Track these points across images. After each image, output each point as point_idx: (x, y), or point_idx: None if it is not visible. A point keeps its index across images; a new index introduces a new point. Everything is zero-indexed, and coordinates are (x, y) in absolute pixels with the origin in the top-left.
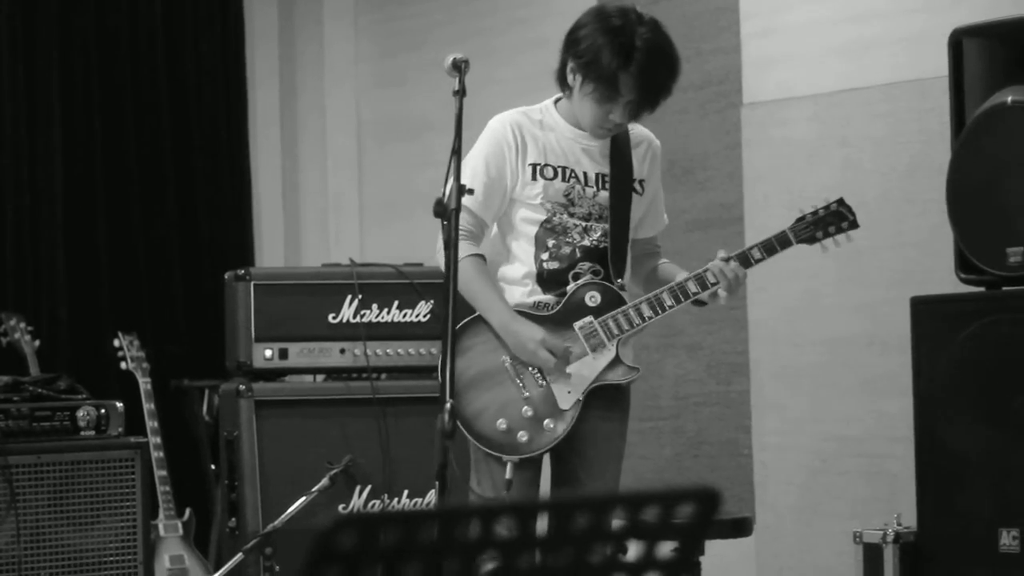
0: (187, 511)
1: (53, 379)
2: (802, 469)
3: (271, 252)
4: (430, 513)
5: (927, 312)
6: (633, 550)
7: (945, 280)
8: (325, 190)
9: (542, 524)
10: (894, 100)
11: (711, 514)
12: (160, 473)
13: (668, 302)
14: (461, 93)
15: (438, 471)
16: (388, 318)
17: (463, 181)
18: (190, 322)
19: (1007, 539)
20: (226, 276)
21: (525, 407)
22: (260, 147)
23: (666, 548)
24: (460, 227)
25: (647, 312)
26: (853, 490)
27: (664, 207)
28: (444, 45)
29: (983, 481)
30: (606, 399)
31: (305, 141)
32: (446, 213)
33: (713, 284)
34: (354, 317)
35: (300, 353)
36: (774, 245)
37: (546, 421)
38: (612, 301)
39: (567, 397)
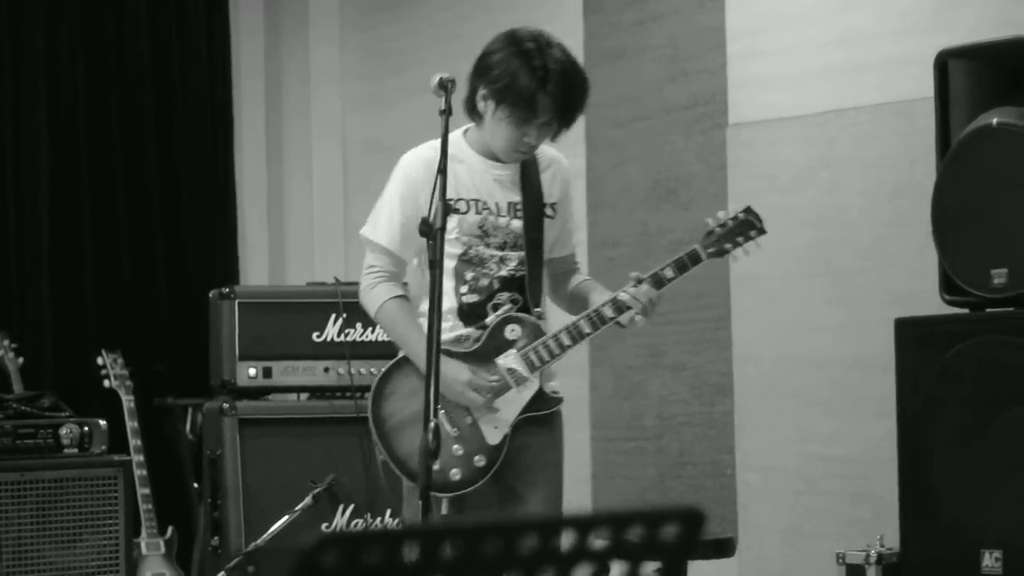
0: (170, 529)
1: (37, 397)
2: (786, 490)
3: (256, 270)
4: (413, 532)
5: (912, 333)
6: (616, 570)
7: (930, 301)
8: (310, 209)
9: (528, 543)
10: (879, 121)
11: (696, 534)
12: (143, 491)
13: (586, 330)
14: (447, 112)
15: (421, 491)
16: (372, 337)
17: (376, 222)
18: (174, 340)
19: (989, 560)
20: (211, 294)
21: (455, 445)
22: (245, 165)
23: (649, 568)
24: (380, 268)
25: (566, 341)
26: (837, 511)
27: (577, 223)
28: (430, 66)
29: (966, 502)
30: (535, 420)
31: (290, 160)
32: (432, 232)
33: (628, 308)
34: (338, 336)
35: (284, 371)
36: (685, 263)
37: (476, 457)
38: (532, 332)
39: (494, 433)
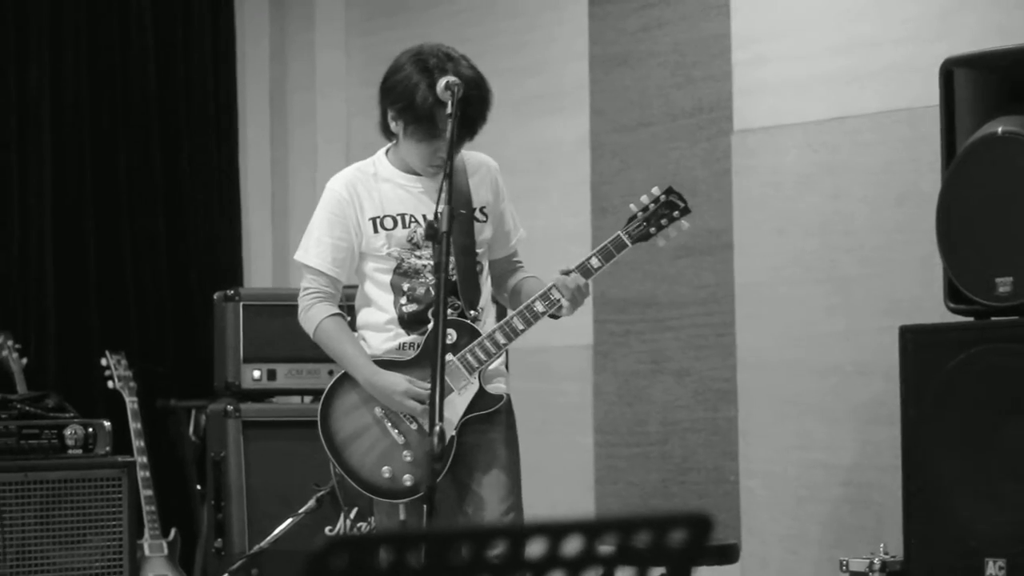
0: (173, 531)
1: (41, 397)
2: (789, 497)
3: (260, 273)
4: (422, 535)
5: (916, 341)
6: None
7: (934, 310)
8: (314, 211)
9: (535, 548)
10: (884, 129)
11: (703, 540)
12: (146, 492)
13: (520, 326)
14: (453, 116)
15: (427, 494)
16: None
17: (308, 246)
18: (178, 342)
19: (993, 569)
20: (215, 296)
21: (405, 452)
22: (250, 167)
23: (656, 574)
24: (316, 290)
25: (501, 340)
26: (840, 518)
27: (516, 223)
28: None
29: (970, 511)
30: (482, 420)
31: (295, 162)
32: (437, 236)
33: (557, 300)
34: None
35: (288, 374)
36: (611, 251)
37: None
38: (467, 334)
39: None
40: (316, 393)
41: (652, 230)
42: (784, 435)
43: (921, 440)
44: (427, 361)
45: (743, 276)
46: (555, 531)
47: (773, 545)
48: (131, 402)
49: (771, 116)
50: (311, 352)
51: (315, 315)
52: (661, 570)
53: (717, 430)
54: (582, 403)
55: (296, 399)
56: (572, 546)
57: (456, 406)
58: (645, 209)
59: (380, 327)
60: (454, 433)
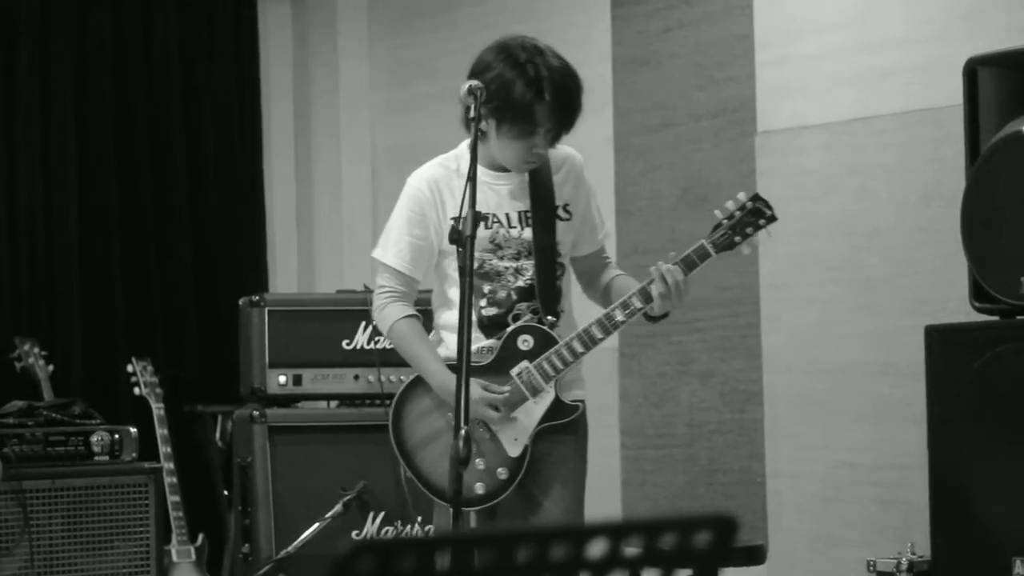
0: (200, 536)
1: (67, 404)
2: (816, 497)
3: (285, 278)
4: (446, 540)
5: (941, 340)
6: None
7: (959, 309)
8: (339, 216)
9: (560, 551)
10: (908, 128)
11: (729, 542)
12: (173, 498)
13: (598, 335)
14: (476, 120)
15: (452, 498)
16: None
17: (386, 244)
18: (204, 348)
19: (1020, 568)
20: (240, 302)
21: (477, 459)
22: (274, 173)
23: None
24: (391, 289)
25: (579, 348)
26: (867, 518)
27: (602, 218)
28: (458, 72)
29: (997, 510)
30: (556, 429)
31: (319, 167)
32: (461, 240)
33: (639, 309)
34: (368, 343)
35: (314, 379)
36: (694, 260)
37: (499, 470)
38: (544, 342)
39: (514, 444)
40: (341, 398)
41: (737, 239)
42: (810, 436)
43: (948, 439)
44: (503, 367)
45: (768, 277)
46: (581, 533)
47: (800, 546)
48: (157, 408)
49: (795, 117)
50: (336, 357)
51: (389, 315)
52: (687, 572)
53: (743, 431)
54: (608, 406)
55: (322, 404)
56: (598, 548)
57: (532, 414)
58: (730, 217)
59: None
60: (528, 443)
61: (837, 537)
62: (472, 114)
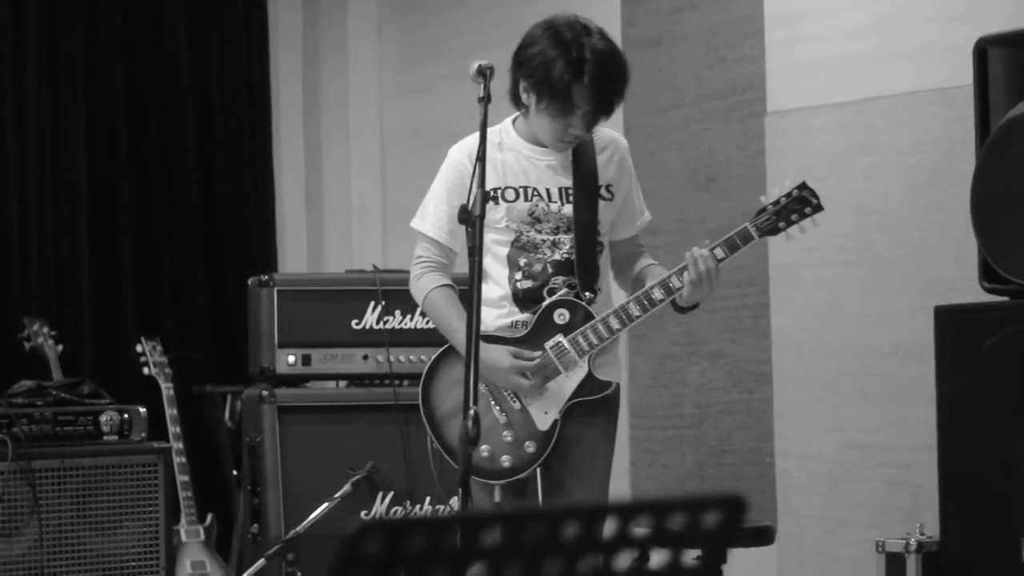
0: (209, 517)
1: (76, 384)
2: (824, 478)
3: (294, 258)
4: (456, 519)
5: (951, 321)
6: (657, 558)
7: (969, 289)
8: (348, 197)
9: (570, 530)
10: (918, 109)
11: (737, 522)
12: (182, 478)
13: (636, 312)
14: (486, 100)
15: (461, 478)
16: (411, 324)
17: (425, 214)
18: (213, 328)
19: None
20: (249, 282)
21: (505, 432)
22: (284, 154)
23: (691, 556)
24: (428, 259)
25: (615, 324)
26: (876, 499)
27: (641, 204)
28: (468, 53)
29: (1006, 491)
30: (588, 407)
31: (329, 148)
32: (470, 220)
33: (677, 289)
34: (377, 323)
35: (323, 359)
36: (736, 242)
37: (527, 443)
38: (581, 317)
39: (544, 418)
40: (351, 378)
41: (782, 224)
42: (819, 416)
43: (957, 420)
44: (536, 340)
45: (777, 258)
46: (590, 514)
47: (809, 527)
48: (166, 388)
49: (804, 97)
50: (345, 337)
51: (425, 284)
52: (696, 552)
53: (752, 412)
54: None
55: (331, 384)
56: (607, 528)
57: (564, 388)
58: (776, 203)
59: (494, 303)
60: (558, 417)
61: (846, 518)
62: (483, 94)
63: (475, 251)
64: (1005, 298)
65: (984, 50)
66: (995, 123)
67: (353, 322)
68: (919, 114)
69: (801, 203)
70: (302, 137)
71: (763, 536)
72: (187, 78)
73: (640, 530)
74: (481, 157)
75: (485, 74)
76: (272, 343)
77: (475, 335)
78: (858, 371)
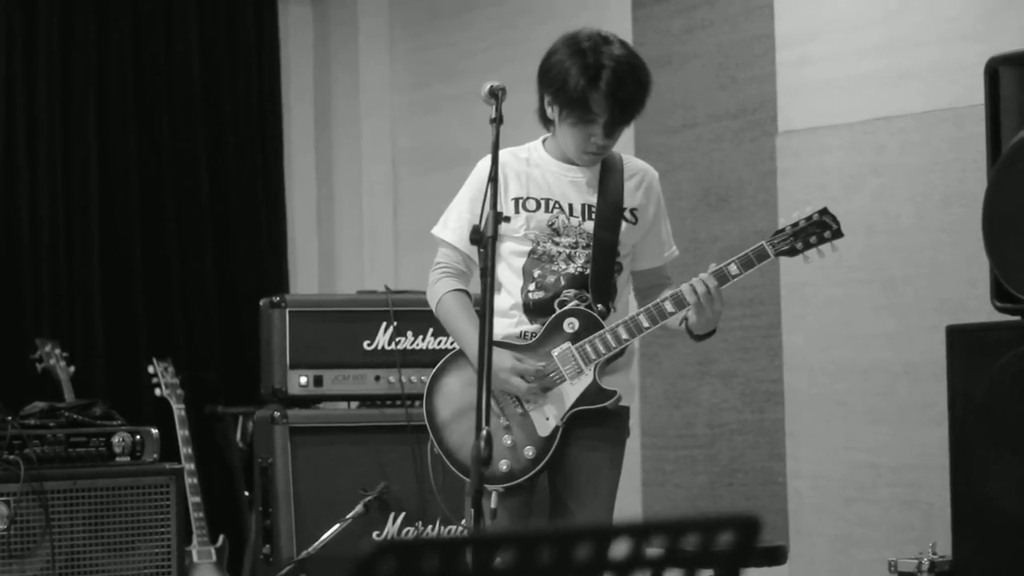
0: (221, 537)
1: (88, 405)
2: (836, 497)
3: (306, 279)
4: (469, 540)
5: (963, 341)
6: None
7: (981, 309)
8: (360, 218)
9: (584, 551)
10: (929, 128)
11: (751, 542)
12: (194, 499)
13: (645, 323)
14: (498, 121)
15: (473, 498)
16: (423, 345)
17: (447, 221)
18: (225, 349)
19: None
20: (261, 303)
21: (505, 436)
22: (295, 174)
23: None
24: (447, 264)
25: (624, 335)
26: (888, 519)
27: (670, 238)
28: (479, 73)
29: (1018, 510)
30: (595, 426)
31: (340, 169)
32: (482, 241)
33: (687, 303)
34: (389, 344)
35: (335, 380)
36: (751, 259)
37: (526, 448)
38: (590, 326)
39: (546, 424)
40: (362, 399)
41: (799, 245)
42: (831, 436)
43: (969, 439)
44: (544, 347)
45: (789, 277)
46: (603, 534)
47: (821, 546)
48: (178, 409)
49: (816, 117)
50: (357, 358)
51: (440, 288)
52: (709, 572)
53: (764, 432)
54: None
55: (343, 405)
56: (620, 549)
57: (567, 395)
58: (795, 224)
59: (505, 312)
60: (559, 423)
61: (858, 537)
62: (494, 115)
63: (486, 272)
64: (1017, 317)
65: (995, 70)
66: (1006, 142)
67: (365, 343)
68: (930, 134)
69: (821, 227)
70: (313, 158)
71: (775, 556)
72: (198, 99)
73: (653, 550)
74: (493, 178)
75: (497, 95)
76: (284, 364)
77: (487, 352)
78: (869, 390)
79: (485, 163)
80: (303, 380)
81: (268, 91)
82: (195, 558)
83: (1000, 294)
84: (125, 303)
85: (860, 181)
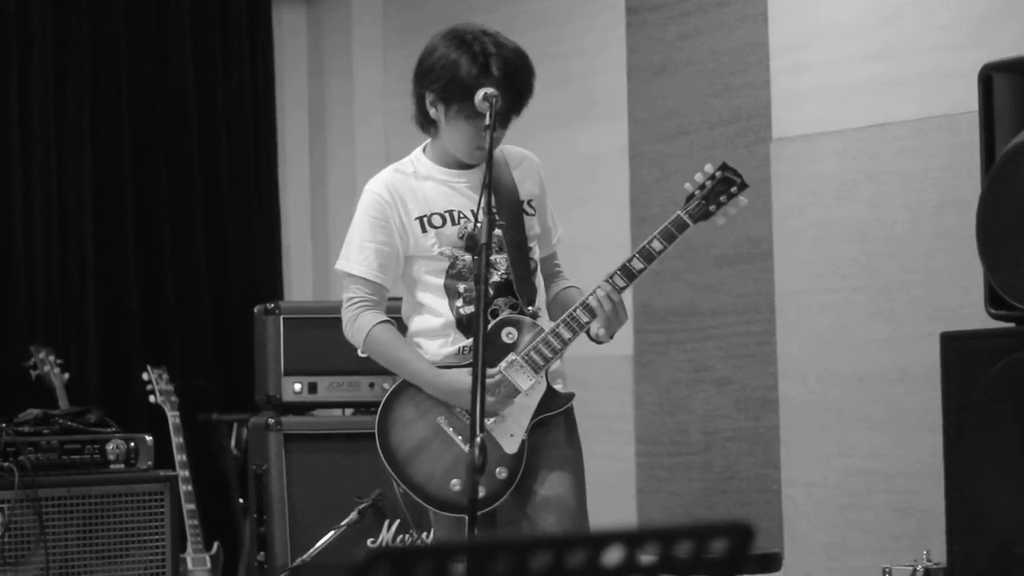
0: (215, 545)
1: (83, 412)
2: (831, 504)
3: (300, 286)
4: (463, 547)
5: (957, 348)
6: None
7: (975, 316)
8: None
9: (577, 558)
10: (923, 135)
11: (745, 549)
12: (189, 507)
13: (583, 318)
14: (492, 128)
15: (468, 505)
16: None
17: (349, 254)
18: (219, 356)
19: None
20: (255, 310)
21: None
22: (289, 181)
23: None
24: (361, 299)
25: (566, 334)
26: (882, 526)
27: (555, 221)
28: None
29: (1014, 517)
30: (543, 423)
31: (334, 175)
32: (477, 247)
33: (622, 287)
34: None
35: (329, 387)
36: (672, 232)
37: (497, 470)
38: (529, 331)
39: (511, 441)
40: (357, 405)
41: (712, 208)
42: (826, 443)
43: (963, 447)
44: (489, 364)
45: (783, 284)
46: (597, 541)
47: (816, 553)
48: (173, 416)
49: (810, 124)
50: (352, 364)
51: (363, 324)
52: None
53: (758, 439)
54: (623, 413)
55: (337, 412)
56: (614, 556)
57: (526, 407)
58: (702, 187)
59: (436, 332)
60: (524, 437)
61: (852, 545)
62: (488, 122)
63: (480, 279)
64: (1011, 324)
65: (989, 76)
66: (1000, 149)
67: (359, 350)
68: (924, 140)
69: (726, 184)
70: (308, 164)
71: (770, 563)
72: (192, 105)
73: (647, 557)
74: (488, 184)
75: (491, 101)
76: (278, 371)
77: (481, 362)
78: (864, 397)
79: (375, 185)
80: (297, 387)
81: (262, 98)
82: (190, 565)
83: (994, 301)
84: (119, 310)
85: (854, 188)
